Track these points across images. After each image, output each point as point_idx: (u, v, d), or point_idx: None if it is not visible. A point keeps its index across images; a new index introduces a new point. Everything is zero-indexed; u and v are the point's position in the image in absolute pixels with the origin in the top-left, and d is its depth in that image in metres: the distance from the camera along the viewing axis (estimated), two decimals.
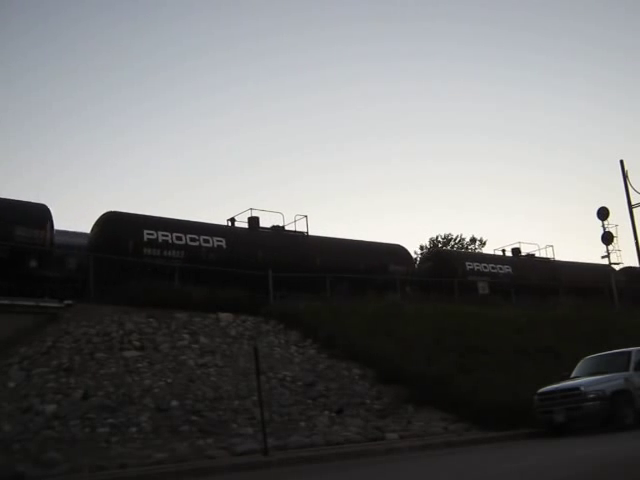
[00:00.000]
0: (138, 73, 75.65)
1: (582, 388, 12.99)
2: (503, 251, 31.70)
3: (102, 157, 73.61)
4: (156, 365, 14.31)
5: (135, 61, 76.55)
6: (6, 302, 15.04)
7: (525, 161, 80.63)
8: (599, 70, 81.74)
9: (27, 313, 15.34)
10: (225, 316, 17.75)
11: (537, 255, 32.44)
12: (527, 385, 14.00)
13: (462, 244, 48.41)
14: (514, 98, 79.27)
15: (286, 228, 24.10)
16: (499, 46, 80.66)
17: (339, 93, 79.16)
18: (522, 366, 15.98)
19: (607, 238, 27.91)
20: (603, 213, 27.48)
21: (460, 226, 75.79)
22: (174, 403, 12.91)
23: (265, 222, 23.75)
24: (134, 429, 11.84)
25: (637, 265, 32.52)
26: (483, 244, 48.58)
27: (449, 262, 28.36)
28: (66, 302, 16.13)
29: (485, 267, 28.85)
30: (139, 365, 14.14)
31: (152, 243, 19.87)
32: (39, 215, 18.29)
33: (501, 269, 29.39)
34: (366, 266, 23.98)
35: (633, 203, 26.73)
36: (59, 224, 19.50)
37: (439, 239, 47.71)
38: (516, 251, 31.81)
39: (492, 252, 33.15)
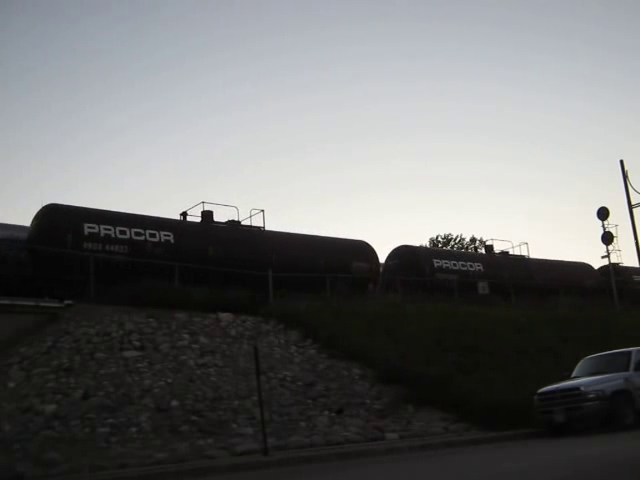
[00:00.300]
0: (136, 73, 75.71)
1: (582, 388, 12.99)
2: (475, 248, 30.90)
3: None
4: (156, 365, 14.32)
5: (127, 62, 76.57)
6: (6, 302, 15.05)
7: (525, 161, 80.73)
8: (599, 70, 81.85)
9: (27, 313, 15.34)
10: (225, 316, 17.75)
11: (512, 252, 31.83)
12: (527, 385, 14.00)
13: (462, 244, 48.38)
14: (514, 98, 79.38)
15: (249, 223, 23.23)
16: (499, 46, 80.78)
17: (339, 93, 79.21)
18: (522, 366, 15.98)
19: (607, 238, 27.94)
20: (603, 213, 27.51)
21: (460, 226, 75.81)
22: (174, 403, 12.91)
23: (222, 217, 22.98)
24: (134, 429, 11.84)
25: (616, 263, 32.56)
26: (483, 244, 48.57)
27: (416, 259, 27.43)
28: (66, 302, 16.13)
29: (455, 265, 28.07)
30: (139, 365, 14.15)
31: (93, 237, 18.91)
32: None
33: (471, 267, 28.62)
34: (327, 263, 23.02)
35: (633, 203, 26.77)
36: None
37: (439, 239, 47.72)
38: (489, 248, 31.09)
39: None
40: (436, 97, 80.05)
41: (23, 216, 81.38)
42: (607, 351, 14.61)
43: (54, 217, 18.97)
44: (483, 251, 31.20)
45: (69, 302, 16.20)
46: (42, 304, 15.77)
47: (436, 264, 27.47)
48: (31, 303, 15.55)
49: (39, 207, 19.12)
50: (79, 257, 17.97)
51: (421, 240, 47.60)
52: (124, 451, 10.85)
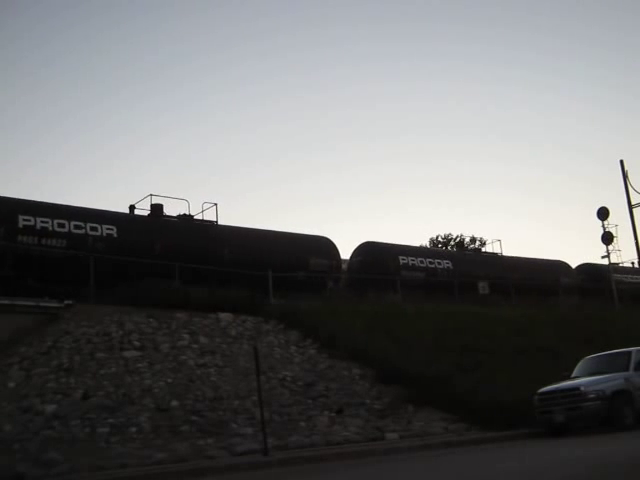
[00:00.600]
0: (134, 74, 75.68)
1: (582, 388, 12.98)
2: (445, 245, 29.95)
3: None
4: (156, 365, 14.31)
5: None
6: (6, 302, 15.05)
7: (525, 161, 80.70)
8: (599, 70, 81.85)
9: (27, 313, 15.34)
10: (225, 316, 17.75)
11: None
12: (527, 385, 13.99)
13: (462, 244, 48.36)
14: (514, 98, 79.37)
15: (208, 218, 22.33)
16: (499, 46, 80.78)
17: (339, 93, 79.20)
18: (522, 366, 15.96)
19: (607, 238, 27.95)
20: (603, 213, 27.52)
21: (460, 226, 75.82)
22: (174, 403, 12.91)
23: (173, 211, 22.18)
24: (134, 429, 11.84)
25: (596, 262, 32.38)
26: (483, 244, 48.58)
27: (380, 256, 26.11)
28: (66, 302, 16.13)
29: (422, 262, 27.04)
30: (139, 365, 14.15)
31: (28, 230, 17.76)
32: None
33: (439, 264, 27.57)
34: (283, 259, 22.06)
35: (633, 203, 26.79)
36: None
37: (439, 239, 47.72)
38: (460, 245, 30.41)
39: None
40: (436, 97, 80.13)
41: None
42: (607, 351, 14.61)
43: None
44: (485, 249, 30.52)
45: (69, 302, 16.19)
46: (42, 304, 15.76)
47: (402, 261, 26.40)
48: (31, 303, 15.54)
49: None
50: (12, 251, 17.09)
51: (421, 240, 47.51)
52: (124, 451, 10.84)
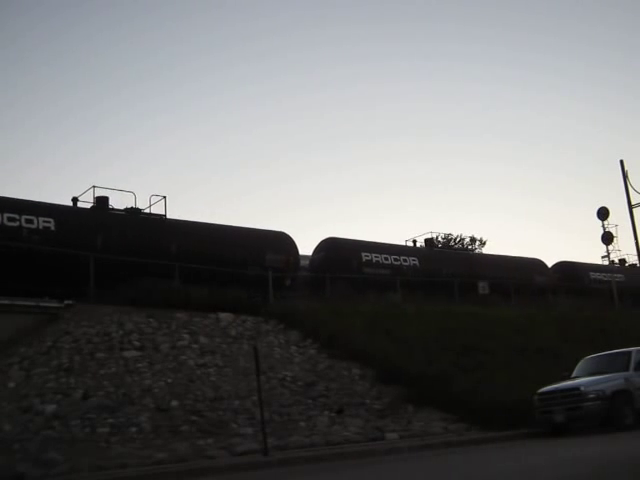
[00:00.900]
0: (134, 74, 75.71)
1: (582, 388, 12.99)
2: (414, 242, 28.44)
3: None
4: (156, 365, 14.32)
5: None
6: (6, 302, 15.04)
7: (525, 161, 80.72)
8: (599, 70, 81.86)
9: (27, 313, 15.35)
10: (225, 316, 17.75)
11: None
12: (527, 385, 14.00)
13: (462, 244, 48.36)
14: (514, 98, 79.35)
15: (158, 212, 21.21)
16: (499, 46, 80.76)
17: (339, 93, 79.21)
18: (522, 366, 15.98)
19: (607, 238, 27.97)
20: (603, 213, 27.55)
21: (460, 226, 75.81)
22: (174, 403, 12.91)
23: (121, 203, 20.95)
24: (134, 429, 11.84)
25: (574, 260, 32.21)
26: (483, 244, 48.57)
27: (342, 252, 25.06)
28: (66, 302, 16.13)
29: (386, 258, 25.92)
30: (139, 365, 14.15)
31: None
32: None
33: (405, 261, 26.56)
34: (236, 254, 21.16)
35: (633, 203, 26.82)
36: None
37: (439, 239, 47.68)
38: (429, 242, 29.17)
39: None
40: (436, 97, 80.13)
41: None
42: (607, 351, 14.62)
43: None
44: (482, 250, 29.89)
45: (69, 302, 16.19)
46: (42, 304, 15.76)
47: (365, 258, 25.33)
48: (31, 303, 15.54)
49: None
50: None
51: (422, 241, 47.44)
52: (124, 451, 10.84)
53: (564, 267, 32.35)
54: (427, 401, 14.62)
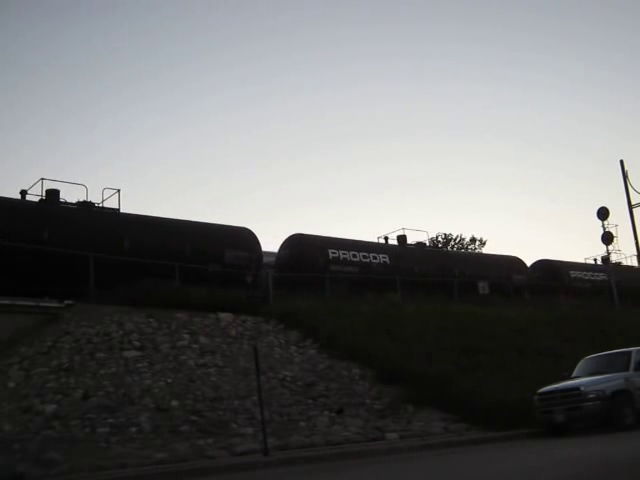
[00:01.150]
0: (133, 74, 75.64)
1: (582, 388, 12.98)
2: (386, 239, 27.77)
3: None
4: (156, 365, 14.31)
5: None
6: (6, 302, 15.04)
7: (525, 161, 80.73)
8: (599, 70, 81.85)
9: (27, 313, 15.34)
10: (225, 316, 17.75)
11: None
12: (527, 385, 13.99)
13: (462, 244, 48.38)
14: (514, 98, 79.38)
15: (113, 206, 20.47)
16: (498, 46, 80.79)
17: (339, 93, 79.19)
18: (522, 366, 15.97)
19: (607, 238, 27.97)
20: (603, 213, 27.54)
21: (460, 226, 75.80)
22: (174, 403, 12.91)
23: (74, 197, 20.26)
24: (134, 429, 11.83)
25: (554, 258, 32.07)
26: (483, 244, 48.59)
27: (308, 249, 24.34)
28: (66, 302, 16.14)
29: (354, 255, 25.15)
30: (139, 365, 14.15)
31: None
32: None
33: (375, 258, 25.78)
34: (193, 250, 20.47)
35: (633, 203, 26.83)
36: None
37: (439, 239, 47.70)
38: (401, 239, 28.43)
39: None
40: (436, 97, 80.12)
41: None
42: (607, 351, 14.61)
43: None
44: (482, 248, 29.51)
45: (69, 302, 16.20)
46: (42, 304, 15.77)
47: (332, 255, 24.53)
48: (31, 303, 15.54)
49: None
50: None
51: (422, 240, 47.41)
52: (124, 451, 10.83)
53: (544, 265, 32.09)
54: (427, 401, 14.62)
